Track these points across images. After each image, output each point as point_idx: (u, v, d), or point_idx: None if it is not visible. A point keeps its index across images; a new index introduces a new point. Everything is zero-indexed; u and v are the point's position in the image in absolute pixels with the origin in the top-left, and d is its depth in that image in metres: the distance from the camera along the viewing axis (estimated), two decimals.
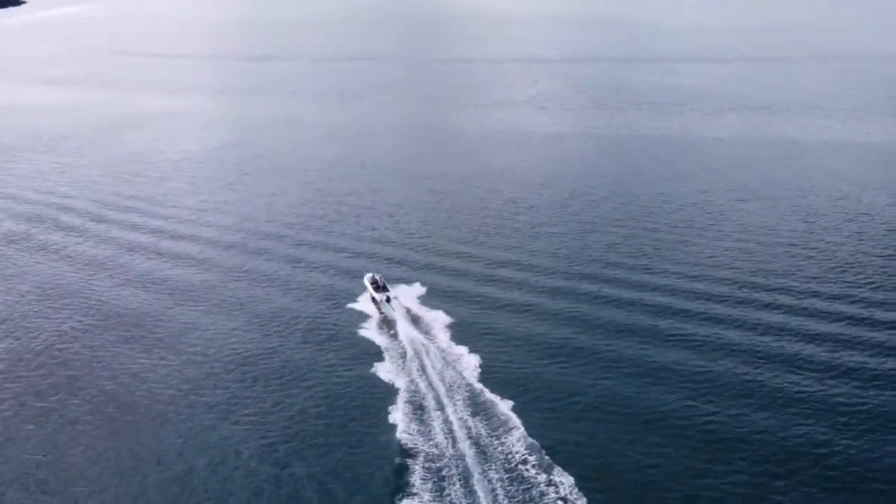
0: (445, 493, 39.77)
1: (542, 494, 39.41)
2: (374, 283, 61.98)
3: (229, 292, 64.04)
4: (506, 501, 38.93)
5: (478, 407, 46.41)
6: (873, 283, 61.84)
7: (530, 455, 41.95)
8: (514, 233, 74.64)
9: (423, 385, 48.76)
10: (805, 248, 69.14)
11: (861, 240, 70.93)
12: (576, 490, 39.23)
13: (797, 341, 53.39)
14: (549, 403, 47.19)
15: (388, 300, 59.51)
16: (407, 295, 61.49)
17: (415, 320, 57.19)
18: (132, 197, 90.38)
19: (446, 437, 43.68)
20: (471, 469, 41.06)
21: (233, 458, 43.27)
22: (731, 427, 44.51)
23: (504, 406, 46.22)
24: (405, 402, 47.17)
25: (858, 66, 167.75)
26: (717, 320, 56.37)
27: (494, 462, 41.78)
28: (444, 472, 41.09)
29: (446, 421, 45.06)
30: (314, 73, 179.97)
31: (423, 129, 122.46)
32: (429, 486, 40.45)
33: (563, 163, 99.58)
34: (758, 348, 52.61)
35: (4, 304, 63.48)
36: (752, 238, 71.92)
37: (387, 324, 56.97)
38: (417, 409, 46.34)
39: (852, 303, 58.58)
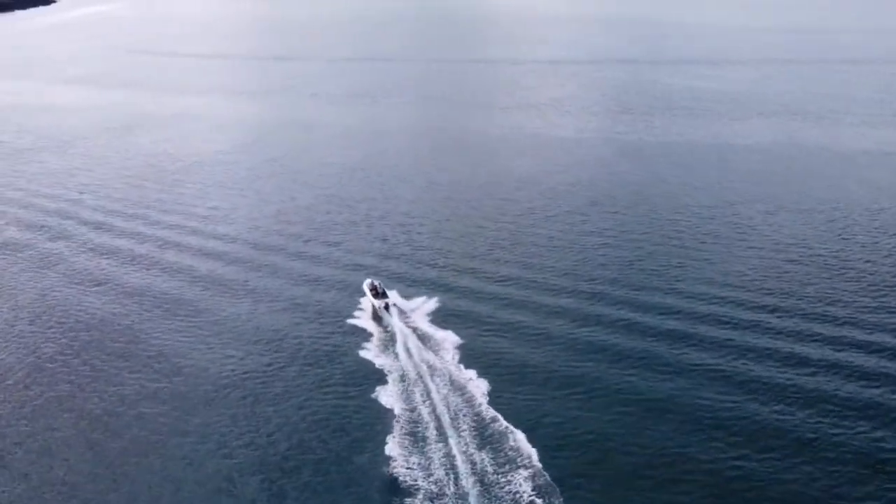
0: None
1: None
2: (373, 289, 60.08)
3: (233, 305, 61.59)
4: None
5: (485, 439, 43.21)
6: None
7: (542, 495, 38.72)
8: (530, 246, 71.02)
9: (425, 412, 45.67)
10: (843, 269, 64.45)
11: None
12: None
13: (833, 374, 49.16)
14: (563, 438, 43.71)
15: (386, 307, 57.77)
16: (417, 312, 58.42)
17: (423, 339, 54.03)
18: (138, 203, 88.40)
19: (448, 473, 40.54)
20: None
21: (220, 484, 40.65)
22: (764, 473, 40.69)
23: (514, 438, 42.92)
24: (405, 431, 44.08)
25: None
26: (747, 351, 52.01)
27: (501, 502, 38.61)
28: None
29: (449, 454, 41.91)
30: (333, 73, 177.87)
31: (441, 132, 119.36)
32: None
33: (585, 170, 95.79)
34: (791, 382, 48.32)
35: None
36: (783, 255, 67.54)
37: (390, 343, 53.80)
38: (418, 440, 43.23)
39: None
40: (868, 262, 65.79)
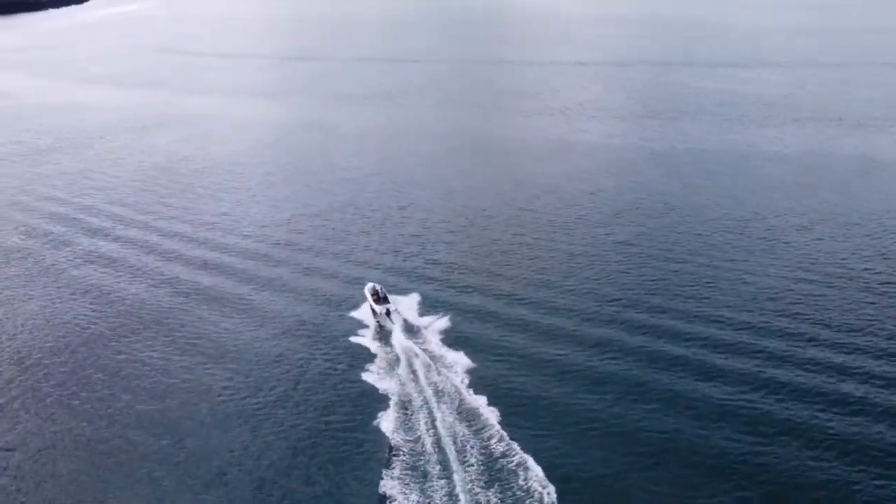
0: None
1: None
2: (374, 294, 57.85)
3: (240, 314, 59.46)
4: None
5: (494, 474, 40.07)
6: None
7: None
8: (550, 262, 67.28)
9: (429, 441, 42.64)
10: (887, 292, 59.93)
11: None
12: None
13: (878, 418, 44.99)
14: (580, 476, 40.20)
15: (387, 313, 55.70)
16: (429, 330, 55.36)
17: (431, 360, 50.98)
18: (146, 208, 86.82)
19: None
20: None
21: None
22: None
23: (527, 475, 39.63)
24: (406, 464, 41.11)
25: None
26: (780, 386, 47.71)
27: None
28: None
29: (452, 493, 38.91)
30: (355, 73, 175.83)
31: (460, 136, 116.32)
32: None
33: (609, 179, 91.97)
34: (829, 424, 44.03)
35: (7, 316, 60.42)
36: (820, 275, 63.11)
37: (395, 364, 50.65)
38: (420, 476, 40.20)
39: None
40: None
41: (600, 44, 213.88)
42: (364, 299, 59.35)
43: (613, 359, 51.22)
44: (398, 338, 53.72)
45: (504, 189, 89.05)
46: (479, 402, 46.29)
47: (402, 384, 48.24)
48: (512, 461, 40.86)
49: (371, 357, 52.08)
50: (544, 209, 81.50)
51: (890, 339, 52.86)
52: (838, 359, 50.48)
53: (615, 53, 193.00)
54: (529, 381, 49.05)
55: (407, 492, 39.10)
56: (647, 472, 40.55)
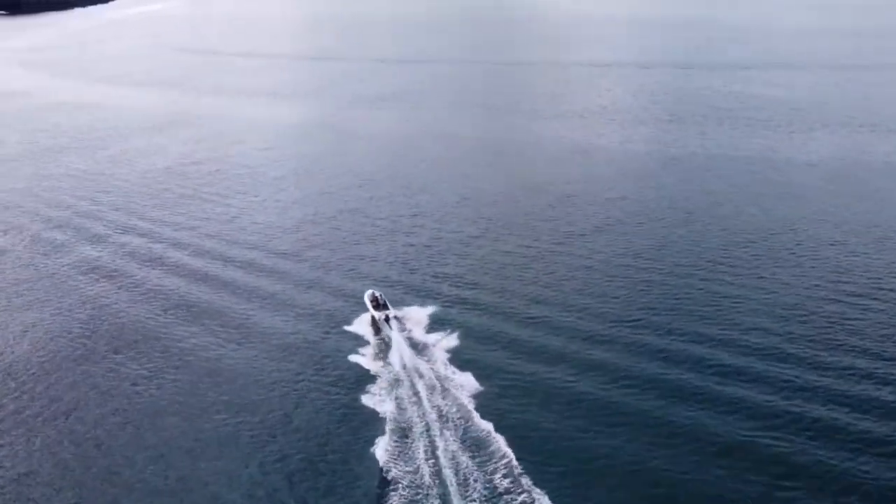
0: None
1: None
2: (374, 300, 56.72)
3: (237, 315, 57.32)
4: None
5: None
6: None
7: None
8: (567, 279, 63.72)
9: (427, 472, 39.93)
10: None
11: None
12: None
13: None
14: None
15: (387, 319, 54.38)
16: (436, 349, 52.50)
17: (437, 381, 48.30)
18: (153, 213, 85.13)
19: None
20: None
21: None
22: None
23: None
24: (406, 499, 38.60)
25: None
26: (813, 422, 44.11)
27: None
28: None
29: None
30: (372, 75, 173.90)
31: (475, 140, 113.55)
32: None
33: (629, 186, 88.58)
34: (865, 472, 40.30)
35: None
36: (855, 295, 59.18)
37: (397, 385, 47.82)
38: None
39: None
40: None
41: (621, 44, 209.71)
42: (364, 307, 57.66)
43: (632, 387, 47.86)
44: (402, 355, 51.17)
45: (519, 196, 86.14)
46: (486, 427, 43.48)
47: (403, 408, 45.62)
48: (517, 499, 38.10)
49: (372, 378, 49.30)
50: (560, 218, 78.45)
51: None
52: (878, 392, 46.83)
53: (636, 54, 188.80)
54: (541, 409, 45.88)
55: None
56: None
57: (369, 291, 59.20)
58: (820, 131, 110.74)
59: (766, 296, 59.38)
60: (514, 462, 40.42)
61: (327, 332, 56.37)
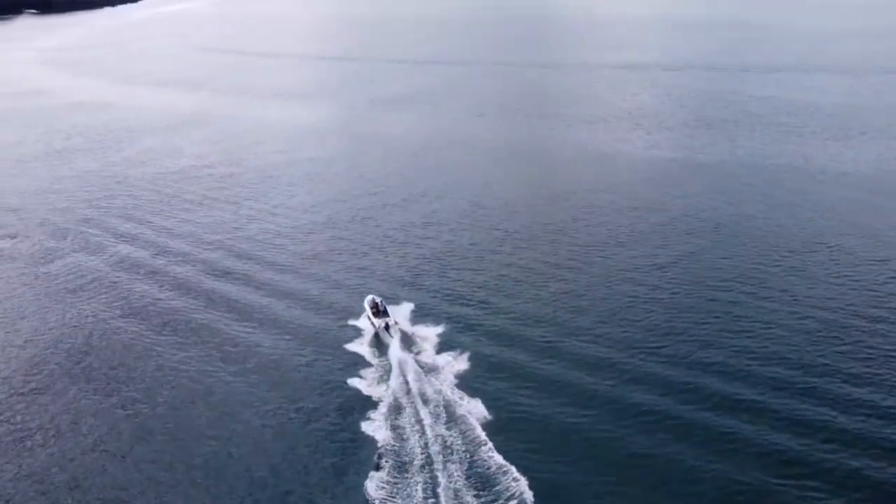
0: None
1: None
2: (374, 306, 54.78)
3: (240, 332, 54.90)
4: None
5: None
6: None
7: None
8: (587, 300, 59.60)
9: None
10: None
11: None
12: None
13: None
14: None
15: (386, 327, 52.47)
16: (445, 371, 49.35)
17: (444, 408, 45.11)
18: (169, 208, 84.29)
19: None
20: None
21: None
22: None
23: None
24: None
25: None
26: (852, 473, 40.28)
27: None
28: None
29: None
30: (393, 75, 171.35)
31: (495, 144, 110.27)
32: None
33: (654, 195, 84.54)
34: None
35: None
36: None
37: (399, 412, 44.69)
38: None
39: None
40: None
41: (648, 45, 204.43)
42: (366, 320, 55.48)
43: (656, 424, 43.73)
44: (406, 376, 48.10)
45: (538, 206, 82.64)
46: (497, 459, 40.34)
47: (405, 438, 42.61)
48: None
49: (373, 404, 46.29)
50: (581, 230, 74.83)
51: None
52: None
53: (664, 56, 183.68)
54: (556, 444, 42.45)
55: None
56: None
57: (369, 297, 57.33)
58: (857, 139, 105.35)
59: (800, 318, 55.18)
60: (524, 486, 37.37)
61: (329, 350, 53.56)
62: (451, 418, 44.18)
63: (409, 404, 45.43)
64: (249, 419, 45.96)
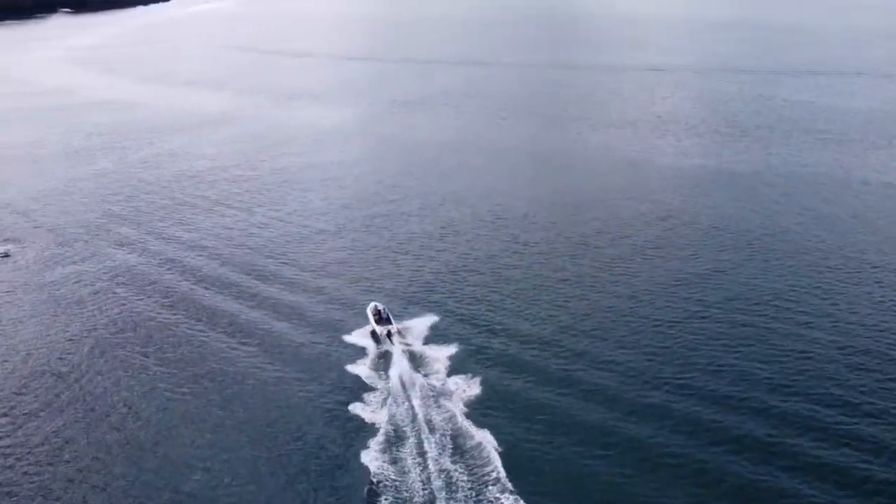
0: None
1: None
2: (376, 314, 53.78)
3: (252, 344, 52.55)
4: None
5: None
6: None
7: None
8: (609, 319, 56.17)
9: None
10: None
11: None
12: None
13: None
14: None
15: (389, 335, 51.39)
16: (454, 397, 46.33)
17: (451, 440, 42.02)
18: (181, 212, 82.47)
19: None
20: None
21: None
22: None
23: None
24: None
25: None
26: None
27: None
28: None
29: None
30: (417, 76, 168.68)
31: (518, 149, 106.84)
32: None
33: (683, 205, 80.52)
34: None
35: None
36: None
37: (402, 443, 41.77)
38: None
39: None
40: None
41: (679, 47, 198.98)
42: (369, 331, 53.94)
43: (675, 458, 40.65)
44: (413, 402, 45.13)
45: (561, 215, 79.09)
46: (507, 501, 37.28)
47: (406, 471, 39.69)
48: None
49: (374, 430, 43.40)
50: (605, 242, 71.24)
51: None
52: None
53: (695, 58, 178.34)
54: (574, 490, 39.20)
55: None
56: None
57: (372, 304, 55.93)
58: None
59: (841, 348, 51.05)
60: None
61: (331, 370, 50.81)
62: (458, 450, 41.20)
63: (414, 433, 42.53)
64: (243, 447, 43.35)
